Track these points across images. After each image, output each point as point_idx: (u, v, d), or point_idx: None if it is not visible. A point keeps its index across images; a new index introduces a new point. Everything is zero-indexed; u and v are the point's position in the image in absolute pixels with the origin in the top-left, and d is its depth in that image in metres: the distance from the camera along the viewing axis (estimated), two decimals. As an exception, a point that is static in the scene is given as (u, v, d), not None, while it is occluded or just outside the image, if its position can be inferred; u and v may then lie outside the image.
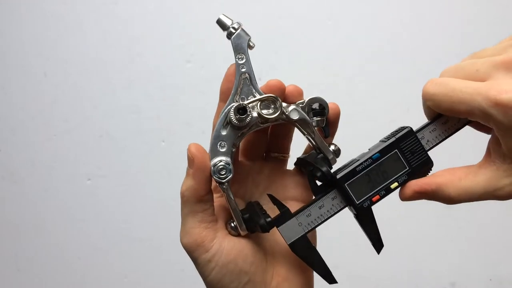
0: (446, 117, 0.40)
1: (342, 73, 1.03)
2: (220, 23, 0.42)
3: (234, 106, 0.39)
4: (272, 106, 0.39)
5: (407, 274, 1.08)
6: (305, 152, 0.45)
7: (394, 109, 1.02)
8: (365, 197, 0.39)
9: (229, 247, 0.39)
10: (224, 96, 0.41)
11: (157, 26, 1.07)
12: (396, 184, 0.40)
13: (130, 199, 1.13)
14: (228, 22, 0.42)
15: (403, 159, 0.40)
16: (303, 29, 1.03)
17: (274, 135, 0.44)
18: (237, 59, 0.41)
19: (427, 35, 1.04)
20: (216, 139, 0.39)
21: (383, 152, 0.40)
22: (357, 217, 0.41)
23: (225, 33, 0.41)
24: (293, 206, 0.41)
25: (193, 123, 1.08)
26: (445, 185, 0.38)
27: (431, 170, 0.41)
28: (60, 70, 1.11)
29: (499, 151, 0.35)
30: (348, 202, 0.40)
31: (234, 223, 0.40)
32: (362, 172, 0.39)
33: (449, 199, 0.39)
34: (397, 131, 0.40)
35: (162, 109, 1.09)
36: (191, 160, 0.38)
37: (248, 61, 0.40)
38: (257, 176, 0.44)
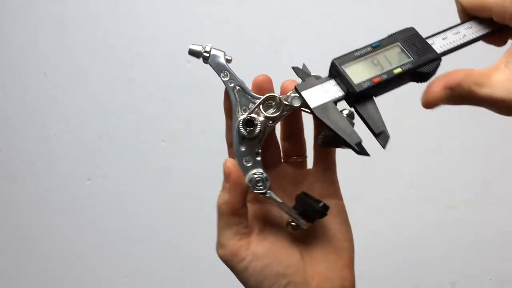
0: (470, 23, 0.39)
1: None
2: (192, 53, 0.43)
3: (240, 122, 0.40)
4: (273, 103, 0.40)
5: (407, 274, 1.08)
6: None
7: (395, 108, 1.02)
8: (364, 79, 0.37)
9: (263, 254, 0.40)
10: (228, 112, 0.43)
11: (157, 26, 1.07)
12: (400, 70, 0.37)
13: (130, 199, 1.13)
14: (198, 48, 0.42)
15: (406, 51, 0.38)
16: (303, 29, 1.03)
17: (286, 140, 0.45)
18: (222, 78, 0.42)
19: (427, 34, 1.04)
20: (240, 157, 0.40)
21: (384, 42, 0.38)
22: (357, 104, 0.38)
23: (201, 59, 0.43)
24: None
25: (193, 123, 1.08)
26: (471, 75, 0.35)
27: (438, 67, 0.38)
28: (60, 70, 1.11)
29: None
30: (346, 87, 0.37)
31: (293, 223, 0.41)
32: (361, 57, 0.38)
33: (470, 93, 0.35)
34: (399, 31, 0.40)
35: (162, 109, 1.09)
36: (227, 175, 0.40)
37: (232, 74, 0.42)
38: (282, 180, 0.45)
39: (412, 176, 1.05)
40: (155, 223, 1.13)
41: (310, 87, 0.39)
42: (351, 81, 0.37)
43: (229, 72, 0.42)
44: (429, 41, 0.39)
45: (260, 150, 0.41)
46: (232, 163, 0.40)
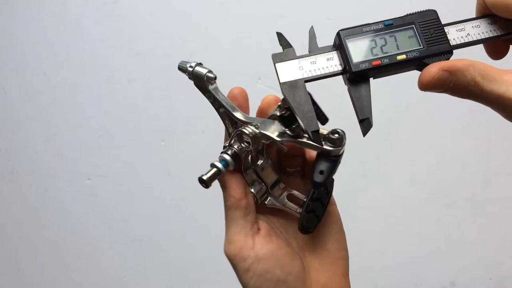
0: (494, 17, 0.36)
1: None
2: (181, 69, 0.43)
3: (226, 161, 0.40)
4: (245, 137, 0.40)
5: (407, 274, 1.08)
6: None
7: (394, 109, 1.02)
8: (364, 59, 0.35)
9: (266, 256, 0.40)
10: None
11: (157, 26, 1.07)
12: (403, 56, 0.35)
13: (130, 199, 1.13)
14: (185, 65, 0.43)
15: (418, 38, 0.35)
16: (303, 28, 1.03)
17: (279, 155, 0.46)
18: (207, 99, 0.42)
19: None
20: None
21: (398, 22, 0.36)
22: (351, 84, 0.36)
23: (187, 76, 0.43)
24: (323, 223, 0.42)
25: (193, 123, 1.08)
26: (474, 67, 0.33)
27: (449, 60, 0.35)
28: (60, 70, 1.11)
29: None
30: (345, 62, 0.35)
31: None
32: (369, 34, 0.35)
33: (475, 85, 0.33)
34: (420, 11, 0.36)
35: (162, 109, 1.09)
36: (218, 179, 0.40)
37: (215, 97, 0.41)
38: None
39: (412, 175, 1.05)
40: (155, 223, 1.13)
41: (286, 60, 0.37)
42: (350, 58, 0.35)
43: (212, 94, 0.41)
44: (446, 29, 0.36)
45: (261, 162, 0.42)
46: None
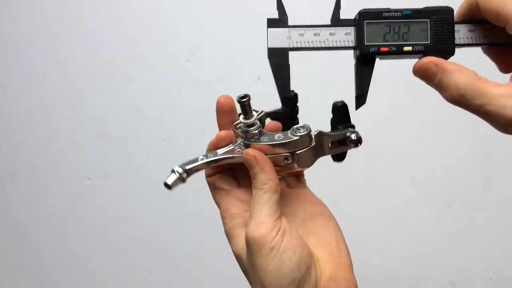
0: (490, 25, 0.38)
1: (343, 71, 1.03)
2: (166, 185, 0.45)
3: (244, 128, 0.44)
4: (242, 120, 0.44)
5: (407, 274, 1.08)
6: None
7: (395, 109, 1.02)
8: (375, 43, 0.39)
9: (290, 235, 0.40)
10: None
11: (157, 26, 1.07)
12: (409, 48, 0.39)
13: (130, 199, 1.13)
14: (173, 178, 0.45)
15: (429, 32, 0.39)
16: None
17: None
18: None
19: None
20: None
21: (415, 14, 0.39)
22: (358, 62, 0.41)
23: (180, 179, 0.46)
24: (320, 220, 0.44)
25: (193, 122, 1.08)
26: (462, 73, 0.36)
27: (448, 59, 0.39)
28: (60, 70, 1.11)
29: None
30: (358, 41, 0.40)
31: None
32: (386, 21, 0.39)
33: (455, 89, 0.36)
34: (439, 6, 0.40)
35: (162, 109, 1.09)
36: (255, 160, 0.41)
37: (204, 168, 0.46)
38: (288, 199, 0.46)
39: (411, 175, 1.05)
40: (155, 223, 1.13)
41: (279, 26, 0.41)
42: (363, 40, 0.39)
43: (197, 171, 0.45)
44: (457, 27, 0.39)
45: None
46: (250, 150, 0.42)
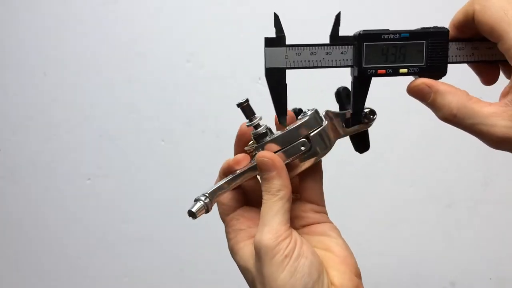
0: (477, 43, 0.40)
1: (343, 71, 1.03)
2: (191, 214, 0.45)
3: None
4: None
5: (407, 274, 1.08)
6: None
7: (395, 109, 1.02)
8: (373, 65, 0.40)
9: (300, 242, 0.40)
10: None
11: (157, 26, 1.07)
12: (405, 70, 0.41)
13: (130, 199, 1.13)
14: (198, 206, 0.44)
15: (424, 53, 0.40)
16: (303, 28, 1.03)
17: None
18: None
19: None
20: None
21: (413, 35, 0.40)
22: (355, 81, 0.42)
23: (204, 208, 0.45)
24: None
25: (193, 122, 1.08)
26: (454, 94, 0.38)
27: (440, 79, 0.41)
28: (60, 70, 1.11)
29: None
30: (356, 62, 0.41)
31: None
32: (384, 42, 0.40)
33: (448, 110, 0.38)
34: (435, 27, 0.41)
35: (162, 108, 1.09)
36: (270, 164, 0.41)
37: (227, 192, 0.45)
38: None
39: (411, 175, 1.05)
40: (155, 223, 1.13)
41: (277, 46, 0.41)
42: (362, 61, 0.40)
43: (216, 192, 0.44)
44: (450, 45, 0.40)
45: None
46: (267, 153, 0.42)
